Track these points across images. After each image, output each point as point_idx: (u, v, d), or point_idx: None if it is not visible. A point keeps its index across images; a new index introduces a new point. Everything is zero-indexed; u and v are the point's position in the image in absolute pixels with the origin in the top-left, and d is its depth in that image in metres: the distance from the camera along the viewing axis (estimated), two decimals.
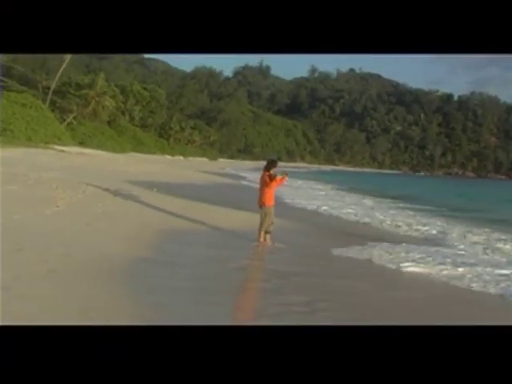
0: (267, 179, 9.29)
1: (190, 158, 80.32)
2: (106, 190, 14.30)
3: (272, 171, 9.39)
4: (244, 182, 32.15)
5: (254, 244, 9.28)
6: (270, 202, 9.36)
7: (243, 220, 12.08)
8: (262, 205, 9.36)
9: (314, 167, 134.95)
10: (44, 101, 50.53)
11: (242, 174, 44.74)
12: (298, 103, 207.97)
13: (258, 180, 9.81)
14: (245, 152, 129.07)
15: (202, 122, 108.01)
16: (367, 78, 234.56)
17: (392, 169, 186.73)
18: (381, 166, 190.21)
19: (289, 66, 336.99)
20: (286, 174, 9.68)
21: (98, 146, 51.51)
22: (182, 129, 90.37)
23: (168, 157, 71.39)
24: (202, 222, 11.06)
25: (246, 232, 10.25)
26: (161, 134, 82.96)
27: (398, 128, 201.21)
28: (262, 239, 9.25)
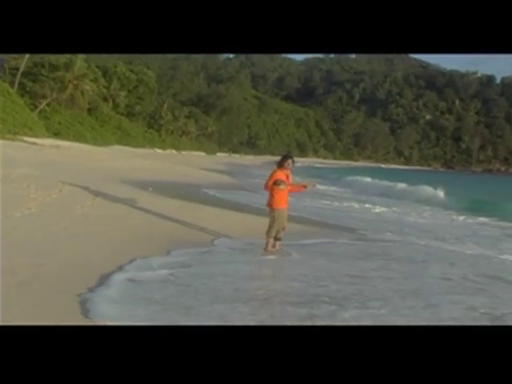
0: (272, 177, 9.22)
1: (185, 152, 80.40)
2: (86, 188, 14.30)
3: (287, 169, 9.33)
4: (250, 181, 32.01)
5: (261, 252, 9.20)
6: (280, 204, 9.25)
7: (249, 224, 12.13)
8: (270, 207, 9.29)
9: (330, 163, 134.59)
10: (12, 84, 50.62)
11: (248, 171, 44.39)
12: (311, 88, 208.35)
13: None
14: (248, 145, 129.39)
15: (199, 109, 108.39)
16: (392, 58, 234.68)
17: (421, 164, 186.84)
18: (407, 161, 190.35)
19: None
20: (313, 184, 9.85)
21: (77, 138, 51.63)
22: (175, 118, 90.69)
23: (159, 150, 71.62)
24: (203, 227, 11.05)
25: (252, 238, 10.20)
26: (150, 123, 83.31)
27: (429, 117, 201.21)
28: (270, 247, 9.20)
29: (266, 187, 9.26)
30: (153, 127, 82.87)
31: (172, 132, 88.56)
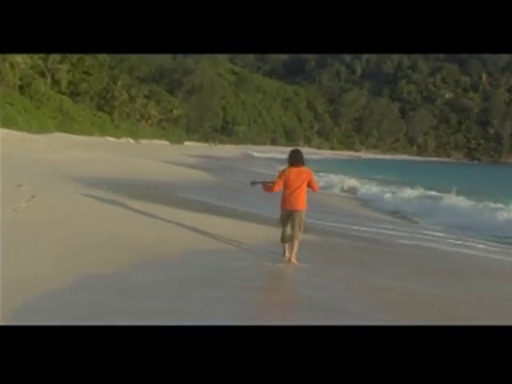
0: (304, 177, 10.37)
1: (144, 141, 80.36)
2: (20, 187, 14.07)
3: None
4: (232, 177, 31.86)
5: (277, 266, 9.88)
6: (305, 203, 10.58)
7: (235, 231, 12.33)
8: (303, 207, 10.41)
9: (323, 153, 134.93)
10: None
11: (227, 165, 44.25)
12: (301, 61, 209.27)
13: None
14: (224, 132, 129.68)
15: (161, 88, 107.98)
16: None
17: (438, 155, 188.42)
18: (422, 150, 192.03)
19: None
20: None
21: (5, 123, 50.88)
22: (132, 98, 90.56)
23: (111, 139, 71.64)
24: (174, 236, 11.11)
25: (244, 250, 10.47)
26: (100, 105, 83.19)
27: (448, 95, 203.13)
28: (292, 257, 10.15)
29: (317, 189, 10.83)
30: (103, 110, 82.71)
31: (128, 116, 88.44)
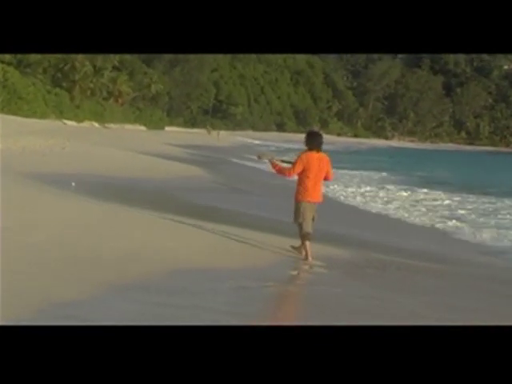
0: (326, 164, 11.45)
1: (113, 126, 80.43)
2: None
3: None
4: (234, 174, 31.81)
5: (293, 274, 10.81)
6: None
7: (235, 242, 12.46)
8: (319, 201, 11.54)
9: (349, 142, 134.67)
10: None
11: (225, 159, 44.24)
12: None
13: None
14: (216, 114, 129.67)
15: (135, 57, 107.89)
16: None
17: (493, 144, 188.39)
18: (472, 138, 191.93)
19: None
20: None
21: None
22: (97, 70, 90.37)
23: (70, 123, 71.63)
24: (161, 251, 11.06)
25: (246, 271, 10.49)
26: (56, 79, 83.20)
27: (507, 66, 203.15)
28: (309, 255, 11.12)
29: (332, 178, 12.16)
30: (60, 85, 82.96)
31: (92, 93, 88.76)
